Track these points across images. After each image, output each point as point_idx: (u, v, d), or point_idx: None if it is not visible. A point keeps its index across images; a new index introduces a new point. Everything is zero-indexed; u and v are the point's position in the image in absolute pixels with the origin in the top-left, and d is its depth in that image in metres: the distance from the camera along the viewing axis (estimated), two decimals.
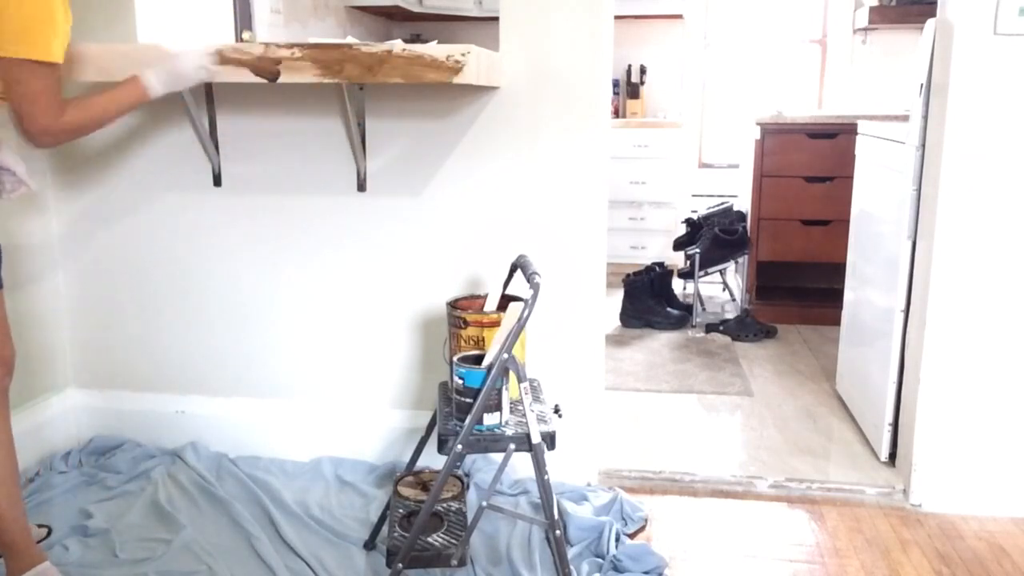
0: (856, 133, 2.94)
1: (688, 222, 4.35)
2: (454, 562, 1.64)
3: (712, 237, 4.05)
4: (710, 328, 3.90)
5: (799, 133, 3.98)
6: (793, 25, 5.08)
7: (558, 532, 1.64)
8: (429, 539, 1.68)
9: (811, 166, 3.98)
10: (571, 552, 1.95)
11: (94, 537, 2.00)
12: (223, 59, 1.85)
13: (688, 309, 4.05)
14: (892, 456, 2.44)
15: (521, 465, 2.20)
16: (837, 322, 3.08)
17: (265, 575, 1.86)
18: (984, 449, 2.21)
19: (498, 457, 1.67)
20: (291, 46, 1.84)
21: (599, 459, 2.38)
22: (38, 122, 1.61)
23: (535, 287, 1.58)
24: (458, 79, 1.80)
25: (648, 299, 4.01)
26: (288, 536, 2.00)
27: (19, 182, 1.80)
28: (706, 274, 4.12)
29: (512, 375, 1.65)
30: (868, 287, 2.71)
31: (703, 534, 2.11)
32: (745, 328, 3.80)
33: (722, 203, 4.38)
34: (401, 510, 1.77)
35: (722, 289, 4.61)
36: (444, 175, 2.24)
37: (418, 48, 1.81)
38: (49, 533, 1.98)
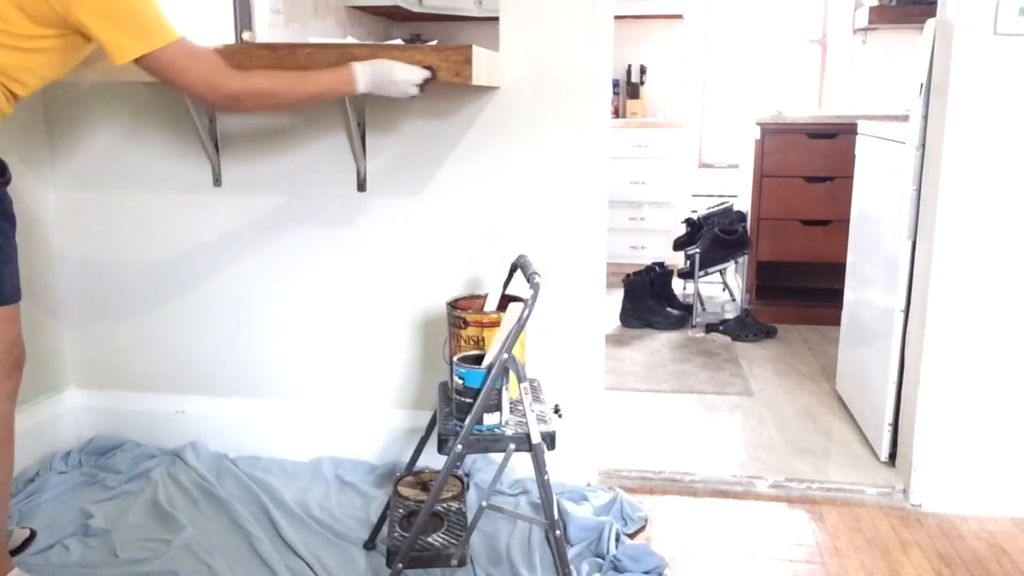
0: (856, 133, 2.94)
1: (688, 222, 4.35)
2: (454, 562, 1.64)
3: (712, 237, 4.05)
4: (710, 328, 3.90)
5: (799, 133, 3.98)
6: (793, 25, 5.09)
7: (558, 532, 1.64)
8: (429, 539, 1.68)
9: (811, 166, 3.98)
10: (571, 552, 1.95)
11: (94, 537, 2.00)
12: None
13: (688, 309, 4.05)
14: (892, 456, 2.44)
15: (521, 465, 2.20)
16: (837, 322, 3.08)
17: (265, 575, 1.86)
18: (984, 449, 2.21)
19: (498, 457, 1.67)
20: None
21: (599, 459, 2.38)
22: (213, 91, 1.61)
23: (535, 287, 1.58)
24: (460, 80, 1.80)
25: (648, 299, 4.01)
26: (288, 536, 1.99)
27: None
28: (706, 274, 4.12)
29: (512, 375, 1.65)
30: (868, 287, 2.71)
31: (703, 534, 2.11)
32: (745, 328, 3.80)
33: (722, 203, 4.38)
34: (401, 510, 1.77)
35: (722, 289, 4.61)
36: (444, 175, 2.24)
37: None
38: (32, 535, 1.97)
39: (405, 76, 1.78)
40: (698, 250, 4.03)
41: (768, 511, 2.23)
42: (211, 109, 1.61)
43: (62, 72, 1.68)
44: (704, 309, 4.23)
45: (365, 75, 1.76)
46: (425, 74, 1.80)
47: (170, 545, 1.95)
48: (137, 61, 1.57)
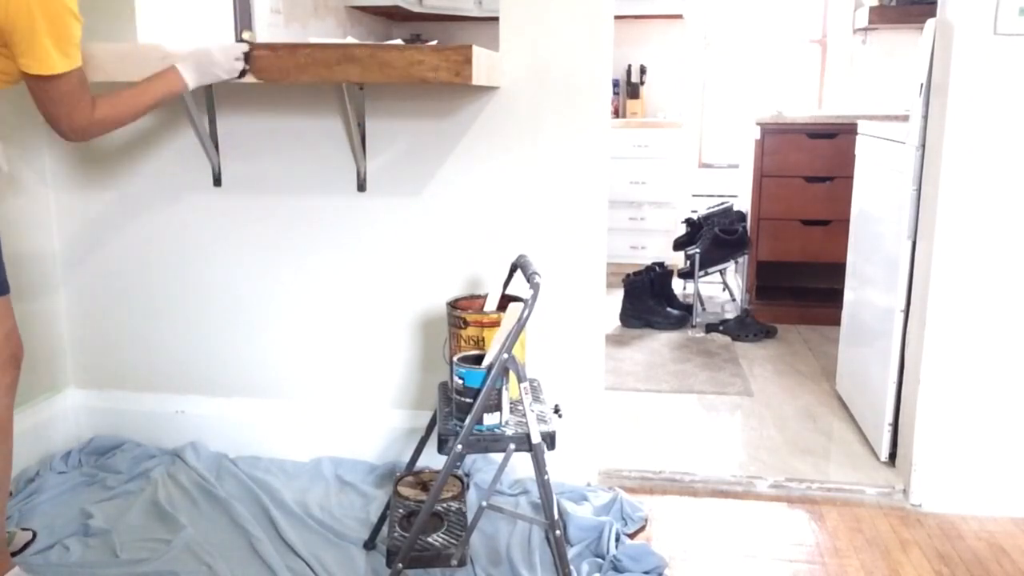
0: (856, 133, 2.94)
1: (688, 222, 4.35)
2: (454, 562, 1.64)
3: (712, 237, 4.05)
4: (710, 328, 3.90)
5: (799, 133, 3.98)
6: (793, 25, 5.08)
7: (558, 532, 1.64)
8: (429, 539, 1.68)
9: (811, 166, 3.98)
10: (571, 552, 1.95)
11: (94, 537, 2.00)
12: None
13: (688, 309, 4.05)
14: (892, 456, 2.44)
15: (521, 465, 2.20)
16: (837, 322, 3.08)
17: (265, 575, 1.86)
18: (984, 449, 2.21)
19: (498, 457, 1.67)
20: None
21: (599, 459, 2.38)
22: (70, 122, 1.67)
23: (535, 287, 1.58)
24: (459, 80, 1.80)
25: (648, 299, 4.01)
26: (288, 536, 1.99)
27: None
28: (706, 274, 4.12)
29: (512, 375, 1.65)
30: (868, 287, 2.71)
31: (703, 534, 2.11)
32: (745, 328, 3.80)
33: (722, 203, 4.38)
34: (401, 510, 1.77)
35: (722, 289, 4.61)
36: (444, 175, 2.24)
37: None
38: (34, 537, 1.98)
39: (223, 57, 1.84)
40: (698, 250, 4.03)
41: (768, 511, 2.23)
42: (60, 136, 1.69)
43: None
44: (704, 309, 4.23)
45: (188, 70, 1.83)
46: (242, 47, 1.86)
47: (170, 545, 1.95)
48: (41, 77, 1.60)
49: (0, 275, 1.67)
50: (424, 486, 1.87)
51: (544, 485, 1.61)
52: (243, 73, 1.87)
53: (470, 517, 1.69)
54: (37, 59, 1.58)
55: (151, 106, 1.81)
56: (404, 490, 1.84)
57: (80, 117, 1.67)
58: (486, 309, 1.82)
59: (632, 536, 2.07)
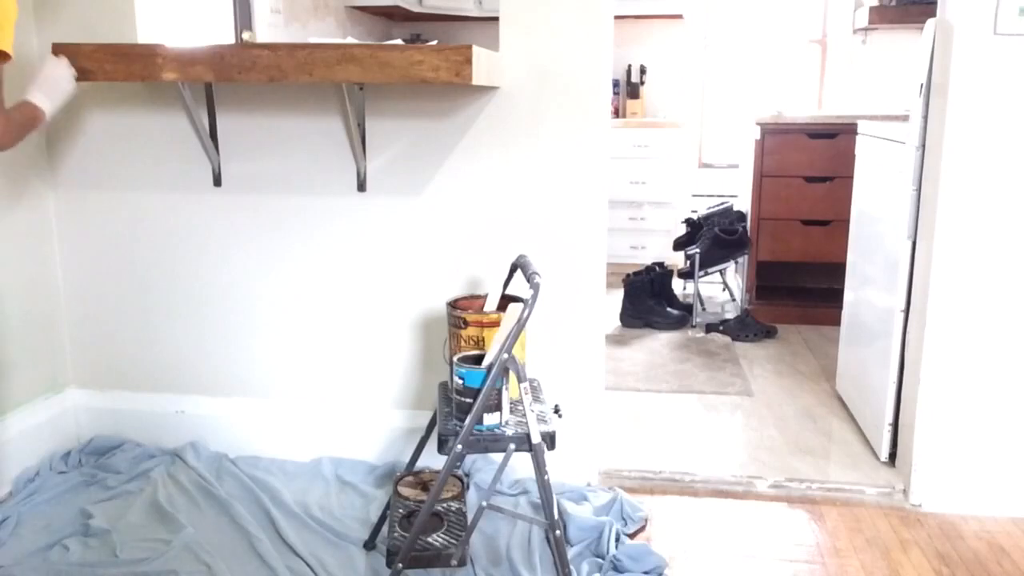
0: (856, 133, 2.94)
1: (688, 222, 4.36)
2: (454, 562, 1.64)
3: (712, 237, 4.05)
4: (710, 328, 3.90)
5: (799, 133, 3.98)
6: (793, 25, 5.08)
7: (558, 532, 1.64)
8: (429, 539, 1.68)
9: (811, 166, 3.98)
10: (571, 552, 1.95)
11: (94, 537, 2.00)
12: None
13: (688, 309, 4.05)
14: (892, 456, 2.44)
15: (521, 465, 2.20)
16: (837, 322, 3.08)
17: (265, 575, 1.86)
18: (984, 449, 2.21)
19: (498, 457, 1.67)
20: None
21: (599, 459, 2.38)
22: None
23: (535, 287, 1.58)
24: (460, 80, 1.80)
25: (648, 299, 4.01)
26: (288, 536, 1.99)
27: None
28: (706, 274, 4.12)
29: (512, 375, 1.65)
30: (868, 287, 2.71)
31: (703, 534, 2.11)
32: (745, 328, 3.80)
33: (722, 203, 4.38)
34: (401, 510, 1.77)
35: (722, 289, 4.61)
36: (444, 175, 2.24)
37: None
38: None
39: (59, 72, 1.86)
40: (698, 250, 4.03)
41: (768, 511, 2.23)
42: None
43: None
44: (704, 309, 4.23)
45: (41, 97, 1.83)
46: (61, 60, 1.87)
47: (170, 545, 1.95)
48: None
49: None
50: (424, 486, 1.87)
51: (544, 485, 1.61)
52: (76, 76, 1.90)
53: (470, 517, 1.69)
54: None
55: (22, 132, 1.79)
56: (404, 490, 1.84)
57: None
58: (486, 309, 1.82)
59: (632, 536, 2.07)
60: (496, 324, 1.70)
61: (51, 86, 1.86)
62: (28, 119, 1.80)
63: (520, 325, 1.57)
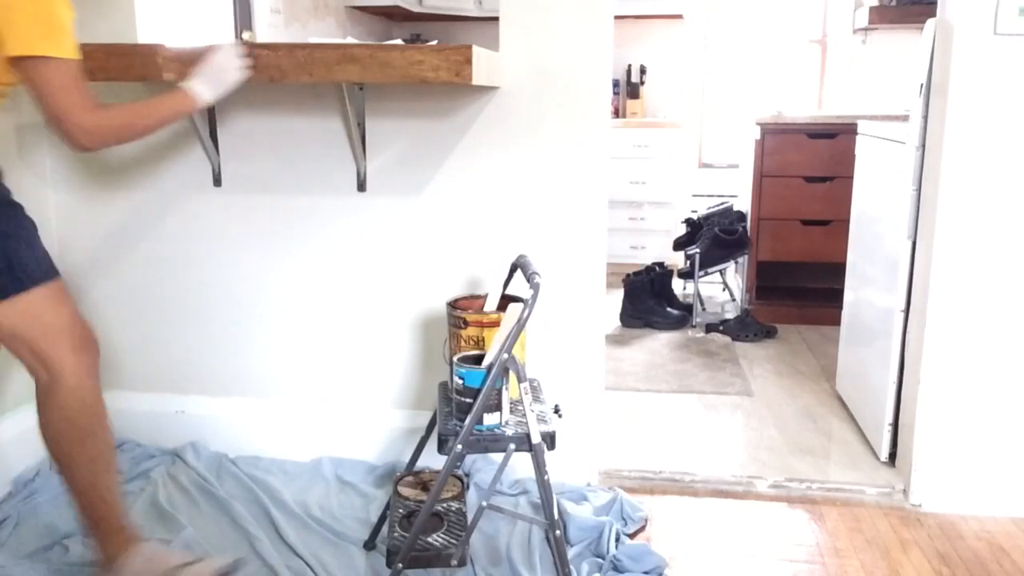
0: (856, 133, 2.94)
1: (688, 222, 4.36)
2: (454, 562, 1.64)
3: (712, 237, 4.05)
4: (710, 328, 3.90)
5: (799, 133, 3.98)
6: (793, 25, 5.08)
7: (558, 532, 1.64)
8: (429, 539, 1.68)
9: (811, 166, 3.98)
10: (571, 552, 1.95)
11: (94, 537, 1.99)
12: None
13: (688, 309, 4.05)
14: (892, 456, 2.44)
15: (521, 465, 2.19)
16: (837, 322, 3.08)
17: (265, 575, 1.86)
18: (984, 449, 2.21)
19: (498, 457, 1.67)
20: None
21: (599, 459, 2.38)
22: (73, 119, 1.57)
23: (535, 287, 1.58)
24: (460, 80, 1.80)
25: (648, 299, 4.01)
26: (288, 536, 1.99)
27: None
28: (706, 274, 4.12)
29: (512, 375, 1.65)
30: (868, 287, 2.71)
31: (703, 534, 2.11)
32: (745, 328, 3.80)
33: (722, 203, 4.38)
34: (401, 510, 1.77)
35: (722, 289, 4.61)
36: (444, 175, 2.24)
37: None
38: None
39: (228, 61, 1.80)
40: (698, 250, 4.03)
41: (768, 511, 2.23)
42: (64, 141, 1.62)
43: None
44: (704, 309, 4.23)
45: (201, 85, 1.77)
46: (239, 45, 1.81)
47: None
48: (26, 61, 1.54)
49: (40, 263, 1.63)
50: (424, 486, 1.87)
51: (544, 485, 1.61)
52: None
53: (470, 517, 1.69)
54: (13, 38, 1.51)
55: (163, 123, 1.74)
56: (404, 490, 1.84)
57: (85, 115, 1.59)
58: (486, 309, 1.82)
59: (632, 536, 2.07)
60: (496, 324, 1.70)
61: (216, 74, 1.79)
62: (151, 115, 1.71)
63: (520, 325, 1.57)
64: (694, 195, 5.11)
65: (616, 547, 1.94)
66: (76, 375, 1.66)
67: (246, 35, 1.93)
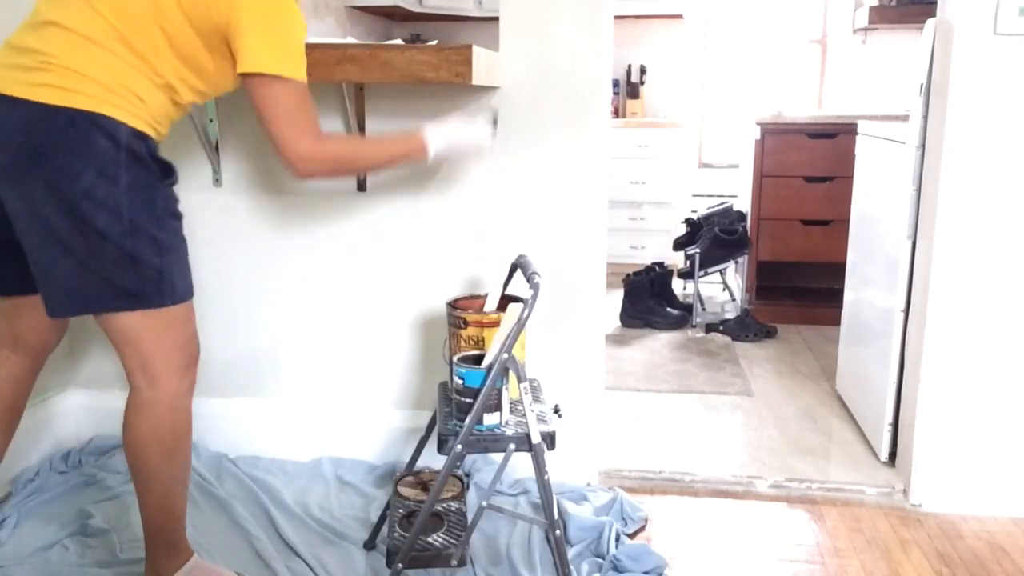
0: (856, 133, 2.94)
1: (688, 222, 4.35)
2: (454, 562, 1.64)
3: (712, 237, 4.05)
4: (710, 328, 3.90)
5: (799, 133, 3.98)
6: (793, 25, 5.09)
7: (558, 532, 1.64)
8: (429, 539, 1.68)
9: (811, 166, 3.98)
10: (571, 552, 1.95)
11: (94, 537, 2.00)
12: None
13: (688, 309, 4.05)
14: (892, 456, 2.44)
15: (521, 465, 2.19)
16: (837, 322, 3.08)
17: (265, 575, 1.86)
18: (984, 449, 2.21)
19: (498, 457, 1.67)
20: None
21: (599, 459, 2.38)
22: (293, 145, 1.55)
23: (535, 287, 1.58)
24: (459, 80, 1.80)
25: (648, 299, 4.01)
26: (288, 536, 1.99)
27: None
28: (706, 274, 4.12)
29: (512, 375, 1.65)
30: (868, 287, 2.71)
31: (703, 534, 2.11)
32: (745, 328, 3.80)
33: (722, 203, 4.38)
34: (401, 510, 1.77)
35: (722, 289, 4.61)
36: (444, 175, 2.24)
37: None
38: None
39: (478, 135, 1.74)
40: (698, 250, 4.03)
41: (768, 511, 2.23)
42: (284, 164, 1.58)
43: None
44: (704, 309, 4.23)
45: (440, 144, 1.73)
46: (489, 129, 1.72)
47: None
48: (254, 78, 1.52)
49: (186, 279, 1.62)
50: (424, 486, 1.87)
51: (544, 485, 1.61)
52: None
53: (470, 517, 1.69)
54: (246, 51, 1.50)
55: (385, 164, 1.66)
56: (404, 490, 1.84)
57: (308, 141, 1.55)
58: (486, 309, 1.82)
59: (632, 536, 2.07)
60: (496, 324, 1.70)
61: (459, 139, 1.71)
62: (376, 154, 1.66)
63: (520, 325, 1.57)
64: (694, 195, 5.11)
65: (616, 547, 1.94)
66: (178, 396, 1.65)
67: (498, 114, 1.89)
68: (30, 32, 1.49)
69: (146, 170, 1.51)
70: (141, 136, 1.50)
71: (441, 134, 1.74)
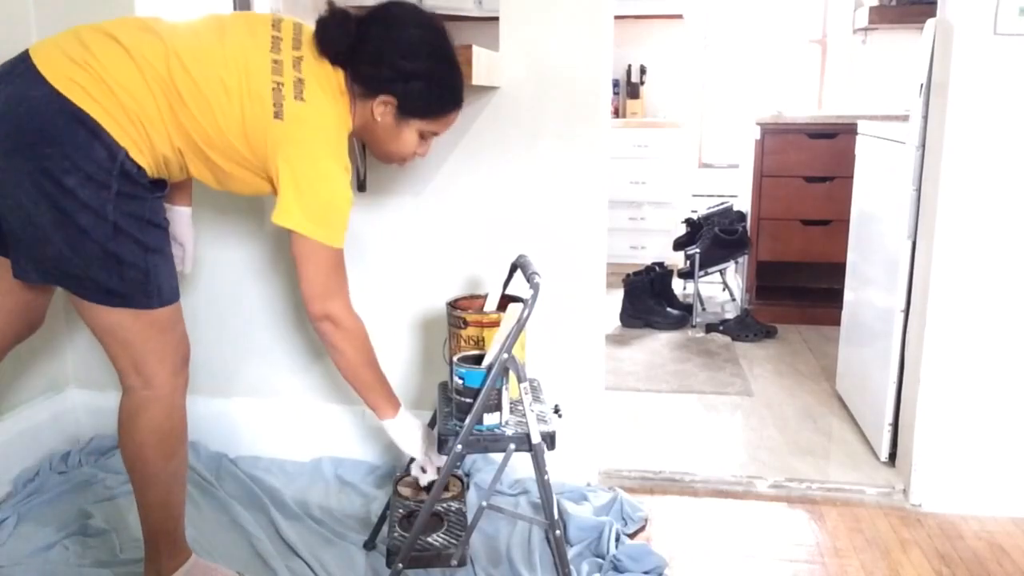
0: (856, 133, 2.94)
1: (688, 222, 4.36)
2: (454, 562, 1.64)
3: (712, 237, 4.05)
4: (710, 328, 3.90)
5: (799, 133, 3.98)
6: (793, 25, 5.09)
7: (558, 532, 1.64)
8: (429, 539, 1.68)
9: (811, 166, 3.98)
10: (571, 552, 1.95)
11: (94, 537, 2.00)
12: None
13: (688, 309, 4.05)
14: (892, 456, 2.44)
15: (521, 465, 2.19)
16: (837, 322, 3.08)
17: (265, 575, 1.86)
18: (984, 449, 2.21)
19: (498, 457, 1.67)
20: None
21: (599, 459, 2.38)
22: (318, 302, 1.63)
23: (535, 287, 1.58)
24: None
25: (648, 299, 4.01)
26: (288, 536, 1.99)
27: (181, 259, 1.84)
28: (706, 274, 4.12)
29: (512, 375, 1.65)
30: (868, 287, 2.71)
31: (703, 534, 2.11)
32: (745, 328, 3.80)
33: (722, 203, 4.38)
34: (401, 510, 1.77)
35: (722, 289, 4.61)
36: (444, 175, 2.24)
37: None
38: None
39: (427, 461, 1.79)
40: (698, 250, 4.03)
41: (768, 511, 2.23)
42: (309, 319, 1.67)
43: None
44: (704, 309, 4.23)
45: (397, 427, 1.78)
46: (441, 459, 1.75)
47: None
48: (290, 230, 1.59)
49: (172, 282, 1.64)
50: (424, 486, 1.87)
51: (544, 485, 1.61)
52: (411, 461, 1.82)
53: (470, 517, 1.69)
54: (282, 205, 1.57)
55: (363, 387, 1.76)
56: (404, 490, 1.84)
57: (319, 301, 1.62)
58: (486, 309, 1.82)
59: (632, 536, 2.07)
60: (496, 324, 1.70)
61: (412, 442, 1.77)
62: (362, 371, 1.74)
63: (520, 325, 1.57)
64: (694, 195, 5.11)
65: (616, 547, 1.94)
66: (173, 395, 1.66)
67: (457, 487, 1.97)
68: (98, 36, 1.51)
69: (136, 184, 1.52)
70: (137, 165, 1.51)
71: (399, 430, 1.78)
